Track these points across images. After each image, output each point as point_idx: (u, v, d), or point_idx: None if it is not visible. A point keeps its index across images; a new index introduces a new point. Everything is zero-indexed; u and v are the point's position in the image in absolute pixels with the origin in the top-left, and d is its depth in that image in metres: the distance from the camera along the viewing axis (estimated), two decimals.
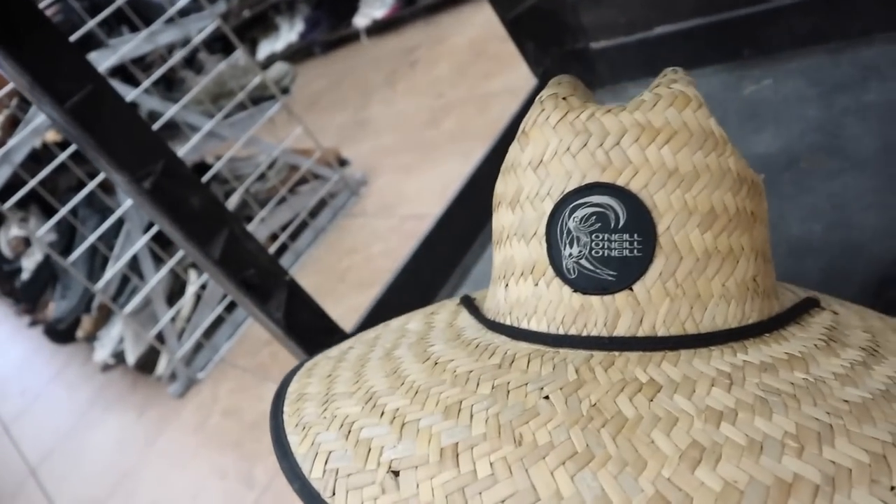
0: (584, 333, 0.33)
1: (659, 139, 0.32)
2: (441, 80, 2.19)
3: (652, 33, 1.00)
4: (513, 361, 0.33)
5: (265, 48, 4.14)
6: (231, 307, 1.73)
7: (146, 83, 1.51)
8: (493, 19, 1.07)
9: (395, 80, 2.48)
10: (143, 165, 0.66)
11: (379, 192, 1.86)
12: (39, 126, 1.48)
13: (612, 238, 0.32)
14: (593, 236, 0.33)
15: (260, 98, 1.76)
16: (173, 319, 1.66)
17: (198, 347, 1.69)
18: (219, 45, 2.48)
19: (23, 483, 1.85)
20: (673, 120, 0.32)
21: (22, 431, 2.17)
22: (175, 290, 1.74)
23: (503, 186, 0.37)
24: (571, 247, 0.33)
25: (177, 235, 0.68)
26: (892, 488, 0.25)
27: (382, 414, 0.32)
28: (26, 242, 2.09)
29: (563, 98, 0.35)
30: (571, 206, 0.33)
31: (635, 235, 0.32)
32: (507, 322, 0.36)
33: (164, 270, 1.62)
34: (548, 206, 0.34)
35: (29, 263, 2.08)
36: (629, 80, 1.04)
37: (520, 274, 0.35)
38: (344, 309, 0.78)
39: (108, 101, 0.64)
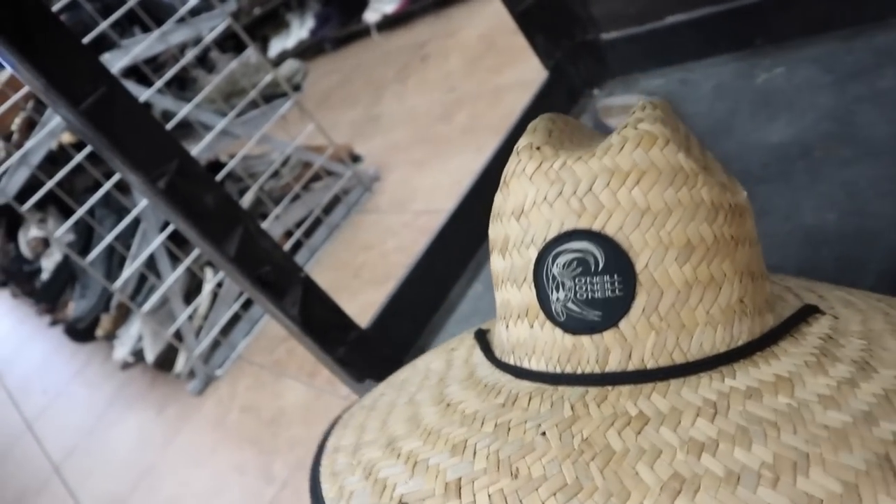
0: (579, 371, 0.35)
1: (628, 181, 0.34)
2: (452, 75, 2.19)
3: (662, 23, 1.00)
4: (515, 400, 0.36)
5: (276, 46, 4.15)
6: (247, 305, 1.75)
7: (159, 83, 1.52)
8: (502, 12, 1.07)
9: (407, 75, 2.48)
10: (158, 165, 0.67)
11: (392, 188, 1.87)
12: (55, 128, 1.50)
13: (594, 280, 0.34)
14: (576, 280, 0.34)
15: (272, 96, 1.77)
16: (191, 317, 1.68)
17: (215, 345, 1.71)
18: (230, 43, 2.49)
19: (47, 480, 1.88)
20: (640, 161, 0.34)
21: (44, 430, 2.20)
22: (192, 289, 1.75)
23: (493, 233, 0.39)
24: (558, 291, 0.35)
25: (192, 234, 0.69)
26: None
27: (399, 455, 0.36)
28: (45, 243, 2.12)
29: (537, 148, 0.37)
30: (553, 252, 0.35)
31: (615, 276, 0.34)
32: (511, 361, 0.39)
33: (181, 269, 1.63)
34: (532, 254, 0.36)
35: (48, 264, 2.10)
36: (640, 71, 1.04)
37: (516, 316, 0.38)
38: (359, 304, 0.79)
39: (121, 102, 0.65)
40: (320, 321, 0.77)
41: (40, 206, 1.59)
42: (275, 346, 1.61)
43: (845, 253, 0.62)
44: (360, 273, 1.59)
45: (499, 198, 0.38)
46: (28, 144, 1.48)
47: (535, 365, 0.37)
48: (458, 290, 0.91)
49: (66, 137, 1.68)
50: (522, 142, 0.38)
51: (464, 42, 2.36)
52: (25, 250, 2.21)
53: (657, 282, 0.34)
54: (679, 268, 0.34)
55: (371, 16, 3.38)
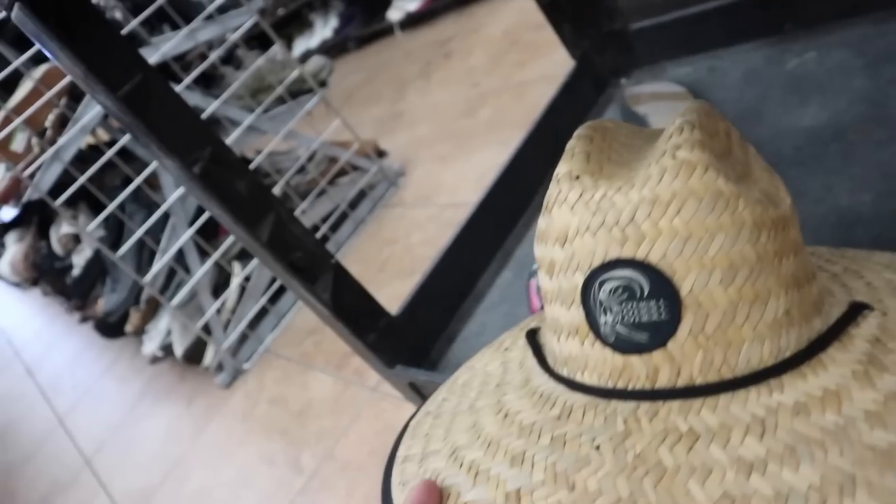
0: (630, 387, 0.37)
1: (669, 210, 0.34)
2: (476, 70, 2.19)
3: (689, 11, 0.99)
4: (570, 413, 0.37)
5: (300, 45, 4.18)
6: (275, 298, 1.76)
7: (189, 78, 1.54)
8: (525, 7, 1.07)
9: (430, 72, 2.49)
10: (192, 151, 0.68)
11: (417, 183, 1.87)
12: (87, 124, 1.52)
13: (640, 306, 0.35)
14: (623, 306, 0.36)
15: (298, 92, 1.78)
16: (219, 311, 1.69)
17: (243, 338, 1.72)
18: (255, 42, 2.52)
19: (78, 473, 1.91)
20: (680, 190, 0.35)
21: (75, 424, 2.23)
22: (220, 283, 1.77)
23: (539, 253, 0.41)
24: (606, 315, 0.37)
25: (226, 219, 0.70)
26: None
27: (461, 465, 0.38)
28: (76, 240, 2.15)
29: (577, 177, 0.38)
30: (599, 280, 0.36)
31: (661, 301, 0.35)
32: (564, 373, 0.40)
33: (209, 263, 1.65)
34: (579, 279, 0.37)
35: (79, 260, 2.14)
36: (668, 60, 1.03)
37: (567, 333, 0.39)
38: (385, 297, 0.79)
39: (157, 89, 0.66)
40: (351, 307, 0.78)
41: (71, 202, 1.62)
42: (302, 339, 1.62)
43: (881, 233, 0.61)
44: (386, 266, 1.60)
45: (542, 222, 0.40)
46: (61, 140, 1.50)
47: (588, 379, 0.38)
48: (486, 279, 0.91)
49: (97, 136, 1.71)
50: (562, 169, 0.39)
51: (487, 38, 2.36)
52: (57, 247, 2.25)
53: (702, 304, 0.34)
54: (724, 289, 0.34)
55: (394, 14, 3.39)
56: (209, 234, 1.76)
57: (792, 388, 0.33)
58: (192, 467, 1.55)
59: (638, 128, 0.46)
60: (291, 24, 4.31)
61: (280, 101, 1.77)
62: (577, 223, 0.37)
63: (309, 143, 1.79)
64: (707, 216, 0.34)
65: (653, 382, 0.36)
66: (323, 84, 1.80)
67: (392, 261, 1.61)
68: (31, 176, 1.51)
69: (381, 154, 2.00)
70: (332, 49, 3.97)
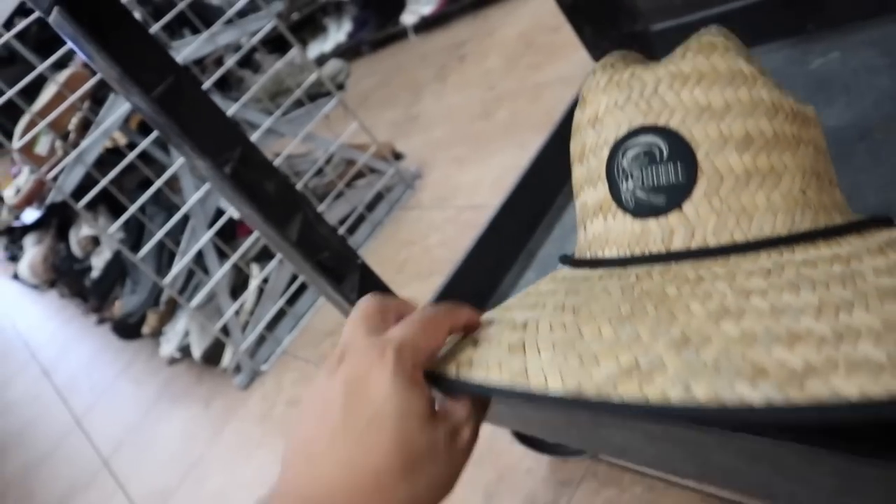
0: (647, 252, 0.38)
1: (690, 83, 0.37)
2: (491, 73, 2.20)
3: (710, 12, 0.99)
4: (586, 280, 0.39)
5: (314, 49, 4.20)
6: (293, 300, 1.77)
7: (210, 81, 1.56)
8: (540, 10, 1.08)
9: (445, 75, 2.50)
10: (222, 152, 0.69)
11: (434, 185, 1.88)
12: (109, 127, 1.54)
13: (659, 169, 0.37)
14: (644, 170, 0.38)
15: (316, 95, 1.79)
16: (237, 313, 1.71)
17: (261, 340, 1.73)
18: (272, 45, 2.54)
19: (96, 474, 1.93)
20: (701, 65, 0.37)
21: (92, 425, 2.25)
22: (238, 285, 1.78)
23: (573, 146, 0.43)
24: (627, 181, 0.38)
25: (256, 219, 0.71)
26: None
27: (492, 321, 0.39)
28: (95, 241, 2.17)
29: (611, 64, 0.40)
30: (623, 148, 0.38)
31: (678, 163, 0.37)
32: (587, 256, 0.42)
33: (228, 265, 1.66)
34: (605, 153, 0.39)
35: (98, 262, 2.16)
36: None
37: (592, 214, 0.41)
38: (404, 298, 0.80)
39: (188, 91, 0.67)
40: None
41: (91, 205, 1.63)
42: (320, 341, 1.63)
43: None
44: (404, 268, 1.60)
45: (577, 114, 0.42)
46: (84, 143, 1.52)
47: (608, 253, 0.40)
48: (509, 280, 0.92)
49: (115, 139, 1.73)
50: (598, 64, 0.42)
51: (502, 41, 2.37)
52: (76, 249, 2.27)
53: (718, 169, 0.36)
54: (738, 157, 0.36)
55: (408, 18, 3.41)
56: (228, 235, 1.78)
57: (804, 252, 0.34)
58: (209, 469, 1.56)
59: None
60: (305, 29, 4.34)
61: (298, 104, 1.78)
62: (607, 101, 0.39)
63: (326, 145, 1.80)
64: (725, 89, 0.36)
65: (668, 245, 0.37)
66: (340, 87, 1.81)
67: (410, 263, 1.61)
68: (55, 178, 1.52)
69: (397, 157, 2.01)
70: (346, 53, 3.99)
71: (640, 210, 0.38)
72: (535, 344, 0.34)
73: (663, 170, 0.37)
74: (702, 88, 0.37)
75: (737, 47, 0.38)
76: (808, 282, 0.30)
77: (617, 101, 0.39)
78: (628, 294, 0.34)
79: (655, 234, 0.37)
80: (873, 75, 0.78)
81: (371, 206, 1.88)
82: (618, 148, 0.38)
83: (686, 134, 0.36)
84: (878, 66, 0.79)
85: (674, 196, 0.37)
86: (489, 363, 0.35)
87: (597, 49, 1.06)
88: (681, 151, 0.36)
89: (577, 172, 0.43)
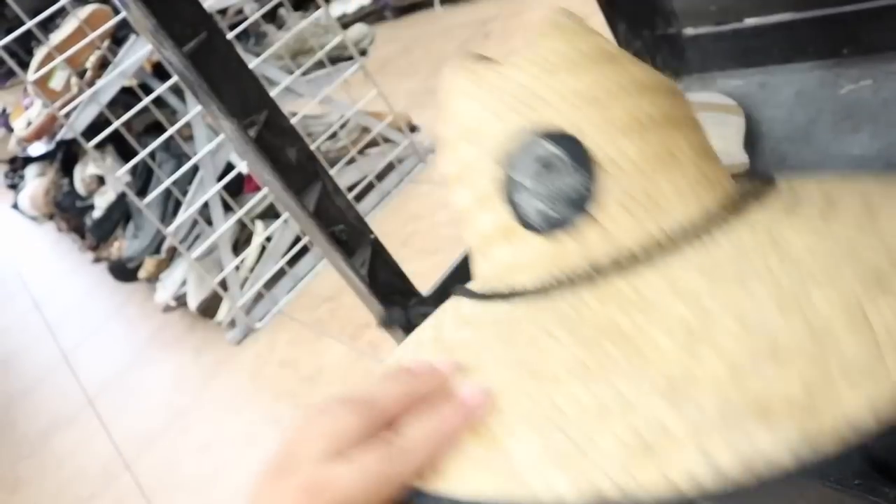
0: (568, 272, 0.33)
1: (561, 73, 0.33)
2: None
3: (745, 24, 0.99)
4: (512, 317, 0.34)
5: (336, 9, 4.14)
6: (294, 261, 1.78)
7: (232, 34, 1.54)
8: None
9: (468, 51, 2.48)
10: (249, 114, 0.68)
11: None
12: (127, 69, 1.53)
13: (556, 176, 0.33)
14: (540, 180, 0.34)
15: (338, 58, 1.78)
16: (237, 268, 1.71)
17: (258, 298, 1.74)
18: (296, 1, 2.50)
19: (79, 411, 1.94)
20: (565, 50, 0.34)
21: (80, 363, 2.26)
22: (241, 240, 1.78)
23: (444, 166, 0.38)
24: (527, 196, 0.34)
25: (276, 185, 0.71)
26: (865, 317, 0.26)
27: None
28: (100, 181, 2.16)
29: (464, 64, 0.36)
30: (512, 161, 0.34)
31: (576, 166, 0.33)
32: (500, 289, 0.36)
33: (234, 219, 1.66)
34: (492, 169, 0.35)
35: (101, 202, 2.15)
36: (719, 70, 1.03)
37: (494, 240, 0.36)
38: (406, 273, 0.80)
39: (220, 48, 0.67)
40: (385, 284, 0.79)
41: (99, 145, 1.62)
42: (317, 305, 1.64)
43: None
44: (409, 242, 1.60)
45: (441, 127, 0.37)
46: (100, 83, 1.51)
47: (525, 282, 0.35)
48: None
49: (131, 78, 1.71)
50: (451, 66, 0.37)
51: (529, 23, 2.34)
52: (80, 187, 2.26)
53: (615, 161, 0.33)
54: (632, 144, 0.33)
55: None
56: (235, 190, 1.77)
57: (723, 237, 0.32)
58: (196, 419, 1.57)
59: None
60: None
61: (319, 65, 1.77)
62: (479, 109, 0.35)
63: (343, 110, 1.79)
64: (599, 73, 0.34)
65: (588, 259, 0.33)
66: (363, 53, 1.80)
67: (416, 237, 1.61)
68: (67, 115, 1.51)
69: (413, 129, 2.00)
70: (369, 16, 3.93)
71: (547, 225, 0.34)
72: (509, 428, 0.28)
73: (560, 176, 0.33)
74: (575, 76, 0.33)
75: (587, 27, 0.36)
76: (752, 273, 0.29)
77: (491, 108, 0.34)
78: (578, 335, 0.30)
79: (572, 249, 0.34)
80: None
81: (381, 176, 1.88)
82: (507, 162, 0.34)
83: (574, 131, 0.33)
84: None
85: (579, 202, 0.33)
86: (459, 465, 0.29)
87: (629, 47, 1.05)
88: (574, 151, 0.33)
89: (462, 196, 0.37)
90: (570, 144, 0.33)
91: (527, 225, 0.34)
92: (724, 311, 0.28)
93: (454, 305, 0.42)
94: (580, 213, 0.33)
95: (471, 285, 0.41)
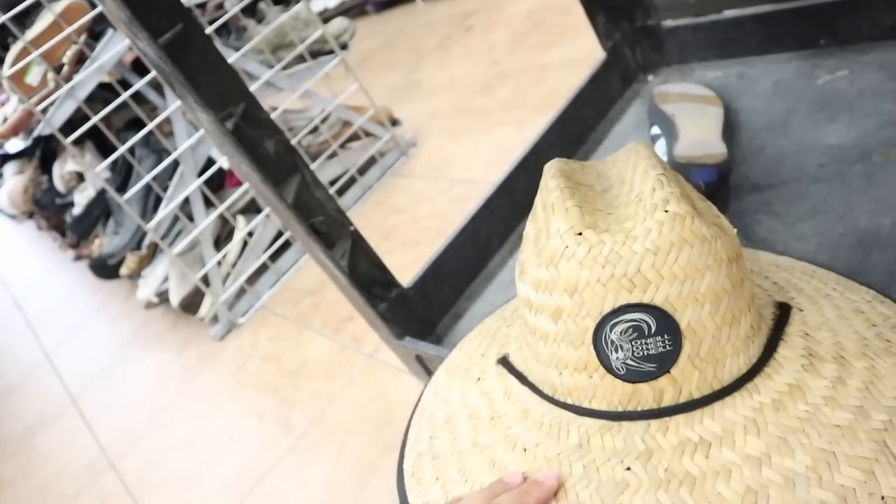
0: (639, 409, 0.43)
1: (668, 259, 0.41)
2: (496, 48, 2.18)
3: (724, 15, 0.99)
4: (589, 440, 0.43)
5: (318, 4, 4.12)
6: (276, 256, 1.77)
7: (213, 27, 1.53)
8: None
9: (450, 45, 2.47)
10: (226, 106, 0.68)
11: (428, 155, 1.87)
12: (104, 64, 1.51)
13: (647, 341, 0.41)
14: (633, 343, 0.41)
15: (318, 52, 1.77)
16: (219, 263, 1.70)
17: (241, 293, 1.73)
18: None
19: (63, 410, 1.93)
20: (675, 240, 0.41)
21: (62, 361, 2.24)
22: (222, 236, 1.77)
23: (540, 299, 0.45)
24: (617, 352, 0.42)
25: (254, 177, 0.70)
26: (882, 498, 0.35)
27: None
28: (79, 178, 2.14)
29: (579, 233, 0.43)
30: (610, 323, 0.42)
31: (665, 335, 0.41)
32: (570, 401, 0.45)
33: (215, 214, 1.65)
34: (589, 324, 0.42)
35: (81, 199, 2.12)
36: (698, 61, 1.03)
37: (573, 369, 0.44)
38: (389, 266, 0.80)
39: (196, 40, 0.66)
40: (366, 275, 0.79)
41: (78, 141, 1.60)
42: (300, 300, 1.63)
43: None
44: (391, 236, 1.60)
45: (545, 274, 0.44)
46: (77, 78, 1.49)
47: (597, 405, 0.44)
48: (498, 260, 0.92)
49: (111, 74, 1.69)
50: (561, 225, 0.43)
51: (511, 17, 2.34)
52: (59, 184, 2.23)
53: (697, 333, 0.41)
54: (712, 318, 0.41)
55: None
56: (216, 185, 1.76)
57: (765, 388, 0.42)
58: (179, 415, 1.56)
59: (585, 164, 0.53)
60: None
61: (299, 59, 1.76)
62: (588, 276, 0.42)
63: (324, 104, 1.78)
64: (697, 259, 0.41)
65: (659, 402, 0.42)
66: (344, 47, 1.79)
67: (398, 231, 1.61)
68: (44, 111, 1.49)
69: (394, 122, 1.99)
70: (351, 10, 3.92)
71: (631, 377, 0.42)
72: None
73: (652, 342, 0.41)
74: (679, 263, 0.41)
75: (692, 204, 0.43)
76: (792, 434, 0.39)
77: (599, 278, 0.41)
78: (654, 476, 0.39)
79: (647, 394, 0.42)
80: (878, 99, 0.79)
81: (363, 170, 1.87)
82: (604, 322, 0.42)
83: (669, 308, 0.41)
84: (884, 90, 0.79)
85: (663, 363, 0.41)
86: None
87: (608, 39, 1.05)
88: (666, 324, 0.41)
89: (548, 326, 0.45)
90: (662, 318, 0.41)
91: (612, 372, 0.42)
92: (775, 476, 0.37)
93: (502, 379, 0.51)
94: (662, 372, 0.41)
95: (520, 367, 0.50)
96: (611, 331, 0.42)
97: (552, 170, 0.49)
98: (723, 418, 0.41)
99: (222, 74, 0.69)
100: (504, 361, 0.52)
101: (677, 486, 0.38)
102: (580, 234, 0.42)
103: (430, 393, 0.57)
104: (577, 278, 0.42)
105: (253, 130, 0.70)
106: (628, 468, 0.40)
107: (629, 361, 0.42)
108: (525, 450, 0.45)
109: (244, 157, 0.69)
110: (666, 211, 0.41)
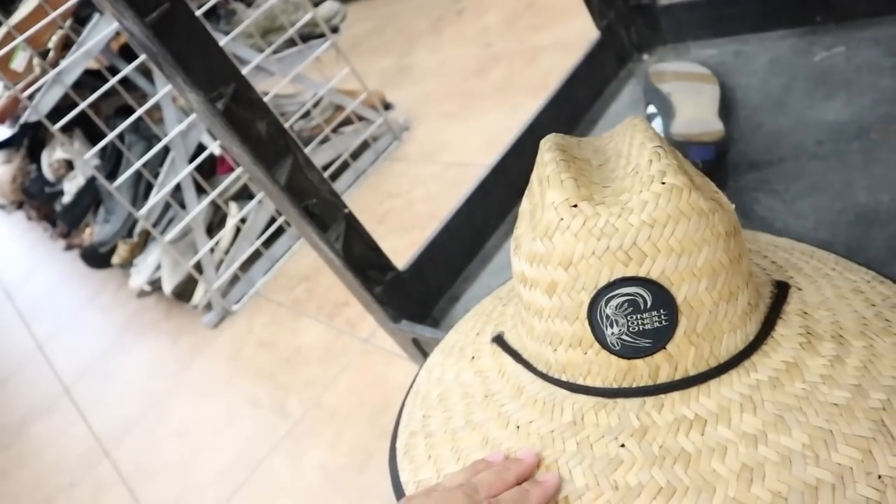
0: (634, 385, 0.42)
1: (665, 232, 0.40)
2: (489, 30, 2.16)
3: None
4: (583, 417, 0.42)
5: None
6: (269, 242, 1.76)
7: (199, 11, 1.50)
8: None
9: (442, 28, 2.45)
10: (216, 86, 0.67)
11: (421, 139, 1.86)
12: (91, 48, 1.49)
13: (643, 316, 0.40)
14: (628, 318, 0.41)
15: (309, 35, 1.75)
16: (212, 250, 1.68)
17: (234, 280, 1.72)
18: None
19: (56, 400, 1.91)
20: (672, 212, 0.40)
21: (55, 351, 2.23)
22: (215, 222, 1.76)
23: (535, 273, 0.44)
24: (612, 327, 0.41)
25: (246, 159, 0.69)
26: (879, 477, 0.35)
27: None
28: (68, 165, 2.11)
29: (574, 205, 0.42)
30: (606, 297, 0.41)
31: (661, 310, 0.40)
32: (565, 378, 0.45)
33: (207, 201, 1.63)
34: (584, 298, 0.41)
35: (70, 187, 2.10)
36: (693, 40, 1.02)
37: (568, 344, 0.43)
38: (384, 250, 0.80)
39: (184, 19, 0.65)
40: (360, 258, 0.78)
41: (66, 128, 1.58)
42: (294, 285, 1.62)
43: (895, 234, 0.62)
44: (385, 220, 1.59)
45: (541, 247, 0.43)
46: (63, 63, 1.47)
47: (591, 382, 0.43)
48: (494, 242, 0.92)
49: (99, 60, 1.67)
50: (556, 197, 0.42)
51: (500, 1, 2.32)
52: (47, 172, 2.21)
53: (694, 308, 0.40)
54: (709, 293, 0.40)
55: None
56: (208, 171, 1.75)
57: (762, 365, 0.41)
58: (174, 403, 1.56)
59: (582, 139, 0.52)
60: None
61: (290, 43, 1.74)
62: (583, 249, 0.41)
63: (316, 88, 1.77)
64: (694, 232, 0.40)
65: (654, 379, 0.41)
66: (335, 30, 1.77)
67: (392, 215, 1.60)
68: (30, 97, 1.47)
69: (387, 106, 1.98)
70: None
71: (626, 352, 0.41)
72: None
73: (647, 317, 0.40)
74: (675, 236, 0.40)
75: (689, 177, 0.41)
76: (789, 412, 0.38)
77: (594, 251, 0.40)
78: (649, 453, 0.39)
79: (643, 370, 0.41)
80: (875, 75, 0.78)
81: (356, 155, 1.86)
82: (599, 296, 0.41)
83: (665, 282, 0.40)
84: (881, 66, 0.79)
85: (659, 339, 0.41)
86: None
87: (602, 19, 1.04)
88: (662, 298, 0.40)
89: (542, 301, 0.44)
90: (658, 292, 0.40)
91: (607, 348, 0.42)
92: (771, 453, 0.37)
93: (496, 357, 0.50)
94: (657, 348, 0.41)
95: (515, 344, 0.50)
96: (606, 305, 0.41)
97: (548, 143, 0.48)
98: (719, 395, 0.40)
99: (211, 54, 0.67)
100: (499, 339, 0.52)
101: (672, 463, 0.38)
102: (575, 206, 0.42)
103: (424, 373, 0.57)
104: (572, 251, 0.41)
105: (244, 111, 0.69)
106: (622, 445, 0.40)
107: (624, 337, 0.41)
108: (518, 427, 0.44)
109: (236, 139, 0.68)
110: (663, 183, 0.40)
